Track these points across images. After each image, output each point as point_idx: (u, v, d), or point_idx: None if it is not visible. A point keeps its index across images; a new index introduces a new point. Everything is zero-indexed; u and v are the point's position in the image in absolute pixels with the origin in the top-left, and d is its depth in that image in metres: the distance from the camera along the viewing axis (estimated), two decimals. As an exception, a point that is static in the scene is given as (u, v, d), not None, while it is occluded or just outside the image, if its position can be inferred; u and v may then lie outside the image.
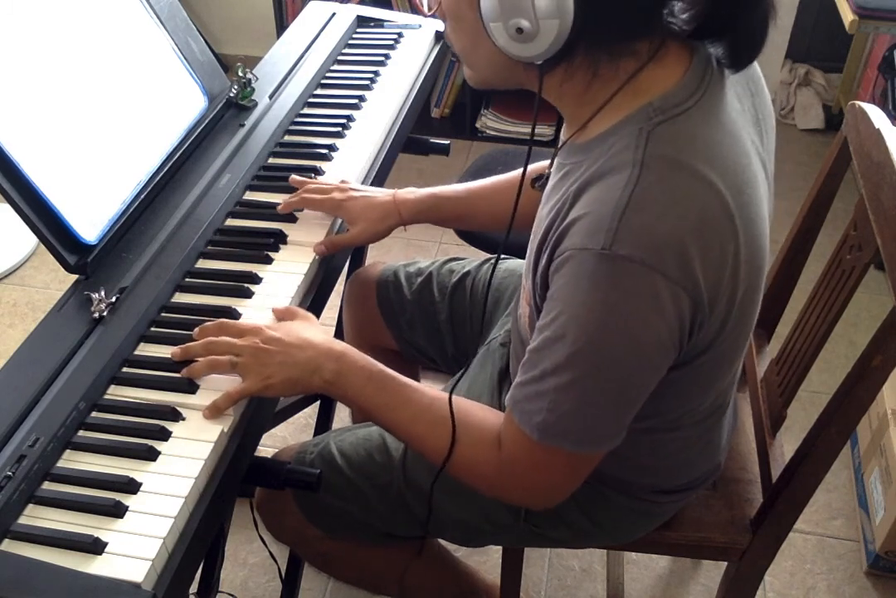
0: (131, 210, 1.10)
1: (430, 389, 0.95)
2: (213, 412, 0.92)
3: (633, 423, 0.86)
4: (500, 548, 1.28)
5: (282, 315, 1.03)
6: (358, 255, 1.73)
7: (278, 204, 1.19)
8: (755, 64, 0.89)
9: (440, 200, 1.21)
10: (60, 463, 0.87)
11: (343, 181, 1.22)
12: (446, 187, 1.23)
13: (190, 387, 0.94)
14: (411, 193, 1.20)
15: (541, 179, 0.97)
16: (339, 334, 1.72)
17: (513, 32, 0.76)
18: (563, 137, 0.90)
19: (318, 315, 1.12)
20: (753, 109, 0.88)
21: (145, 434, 0.89)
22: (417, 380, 1.57)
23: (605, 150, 0.79)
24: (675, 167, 0.76)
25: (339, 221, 1.21)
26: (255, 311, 1.04)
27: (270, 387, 0.93)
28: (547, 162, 0.99)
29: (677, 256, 0.74)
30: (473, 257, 1.41)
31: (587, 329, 0.77)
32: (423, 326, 1.37)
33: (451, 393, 0.92)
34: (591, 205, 0.77)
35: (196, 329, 0.98)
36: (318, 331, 0.98)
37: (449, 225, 1.33)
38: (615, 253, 0.74)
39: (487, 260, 1.39)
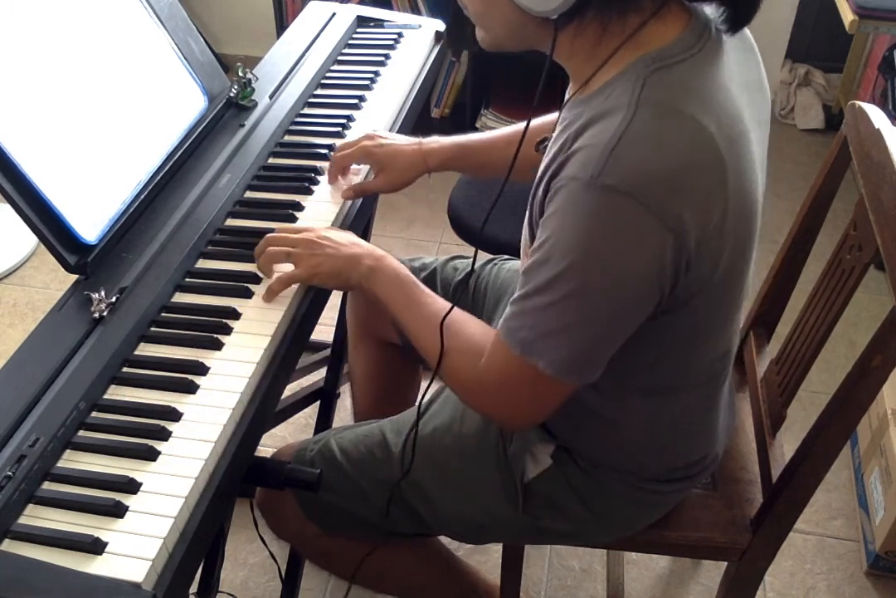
0: (131, 210, 1.10)
1: (442, 300, 1.03)
2: (270, 296, 1.04)
3: (632, 381, 0.89)
4: (500, 548, 1.28)
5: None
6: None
7: (279, 203, 1.20)
8: (750, 36, 0.93)
9: (465, 149, 1.26)
10: (60, 463, 0.87)
11: (373, 131, 1.26)
12: (469, 137, 1.27)
13: (190, 387, 0.95)
14: (436, 142, 1.25)
15: (544, 142, 1.00)
16: (339, 332, 1.72)
17: None
18: (567, 95, 0.93)
19: (318, 315, 1.13)
20: (750, 76, 0.91)
21: (145, 434, 0.89)
22: (418, 379, 1.57)
23: (604, 97, 0.83)
24: (669, 109, 0.79)
25: (343, 215, 1.21)
26: (256, 311, 1.05)
27: (317, 276, 1.05)
28: (544, 120, 1.01)
29: (663, 192, 0.77)
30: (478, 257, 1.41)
31: (569, 255, 0.81)
32: None
33: (443, 319, 0.97)
34: (587, 140, 0.81)
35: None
36: (363, 240, 1.09)
37: (471, 173, 1.38)
38: (602, 183, 0.77)
39: (491, 260, 1.40)
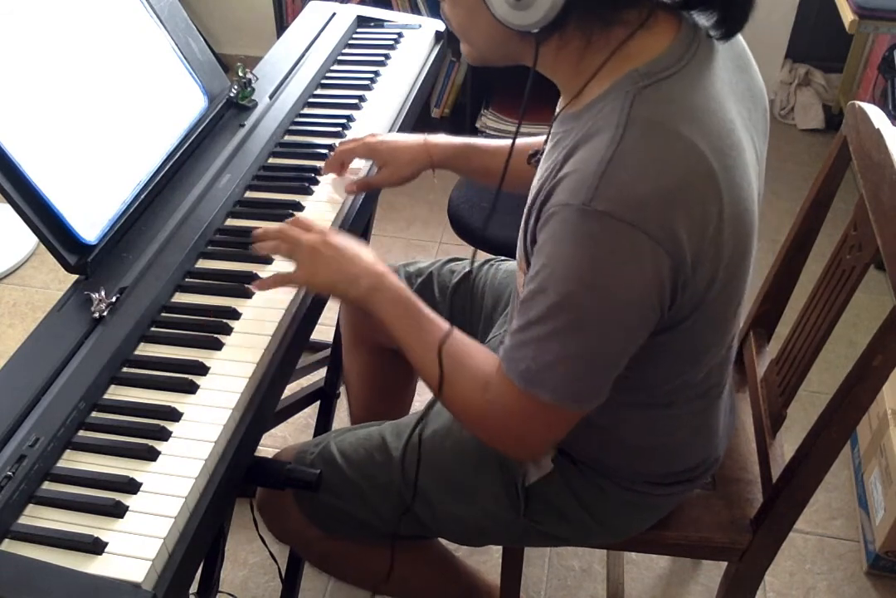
0: (131, 210, 1.10)
1: (444, 323, 0.98)
2: (260, 286, 1.04)
3: (626, 396, 0.86)
4: (500, 548, 1.28)
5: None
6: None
7: (279, 203, 1.20)
8: (742, 41, 0.92)
9: (471, 149, 1.25)
10: (60, 463, 0.87)
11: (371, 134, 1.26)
12: (478, 139, 1.26)
13: (190, 387, 0.95)
14: (443, 138, 1.24)
15: (536, 156, 0.99)
16: (339, 332, 1.72)
17: (512, 0, 0.78)
18: (558, 109, 0.92)
19: (318, 315, 1.13)
20: (743, 83, 0.90)
21: (145, 434, 0.89)
22: (414, 382, 1.57)
23: (593, 114, 0.82)
24: (658, 128, 0.78)
25: (343, 215, 1.21)
26: (256, 311, 1.05)
27: (312, 284, 1.04)
28: (543, 138, 1.00)
29: (658, 214, 0.76)
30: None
31: (566, 283, 0.79)
32: None
33: (441, 345, 0.93)
34: (577, 164, 0.80)
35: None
36: (370, 252, 1.04)
37: (473, 176, 1.35)
38: (595, 209, 0.76)
39: (489, 261, 1.39)
